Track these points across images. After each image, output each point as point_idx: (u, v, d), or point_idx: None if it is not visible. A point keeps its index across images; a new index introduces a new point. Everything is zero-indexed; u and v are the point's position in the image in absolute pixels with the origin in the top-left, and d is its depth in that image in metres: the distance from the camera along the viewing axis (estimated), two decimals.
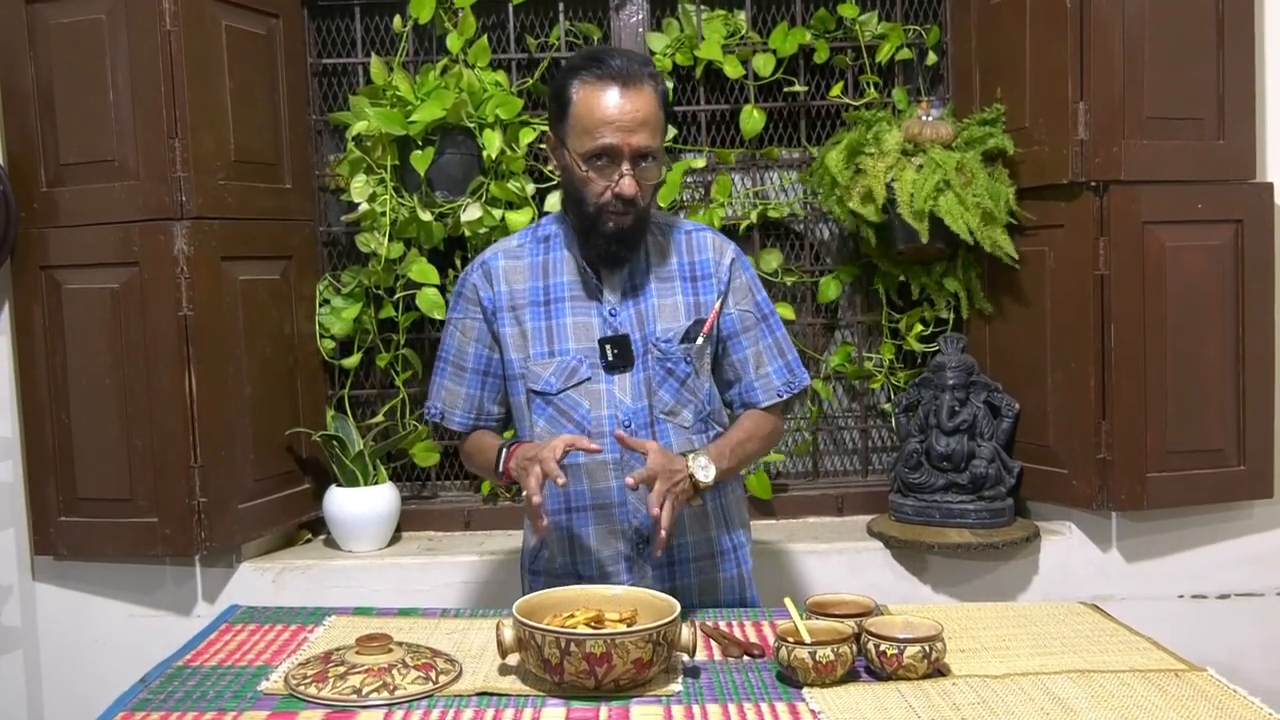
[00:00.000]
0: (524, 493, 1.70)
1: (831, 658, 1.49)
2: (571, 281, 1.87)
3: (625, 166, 1.75)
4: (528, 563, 2.00)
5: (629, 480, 1.70)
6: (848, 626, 1.56)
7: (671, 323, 1.87)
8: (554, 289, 1.88)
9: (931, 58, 2.84)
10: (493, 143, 2.61)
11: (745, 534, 2.02)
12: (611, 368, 1.84)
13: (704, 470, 1.76)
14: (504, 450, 1.82)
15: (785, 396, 1.96)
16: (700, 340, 1.87)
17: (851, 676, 1.53)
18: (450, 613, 1.88)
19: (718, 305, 1.90)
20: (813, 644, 1.50)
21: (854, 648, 1.53)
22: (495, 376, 1.92)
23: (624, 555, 1.88)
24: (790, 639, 1.52)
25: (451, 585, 2.60)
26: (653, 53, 2.74)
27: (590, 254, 1.85)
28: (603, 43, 2.79)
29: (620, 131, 1.73)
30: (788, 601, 1.63)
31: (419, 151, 2.59)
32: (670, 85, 2.72)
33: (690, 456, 1.77)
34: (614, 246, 1.81)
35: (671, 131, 2.74)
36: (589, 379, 1.84)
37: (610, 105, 1.73)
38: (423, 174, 2.59)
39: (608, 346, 1.84)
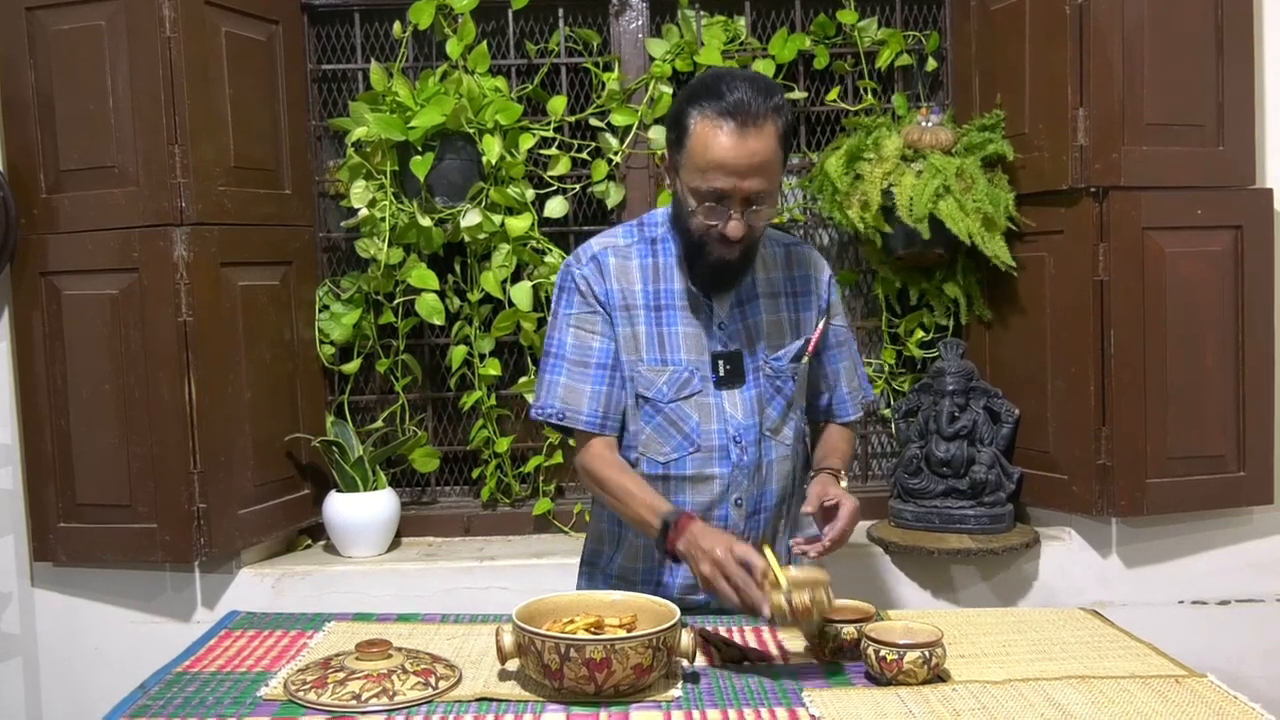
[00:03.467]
0: (733, 598, 1.56)
1: (807, 602, 1.48)
2: (681, 290, 1.84)
3: (735, 210, 1.69)
4: (601, 563, 1.96)
5: (825, 543, 1.73)
6: (824, 573, 1.54)
7: (780, 340, 1.87)
8: (664, 295, 1.84)
9: (931, 64, 2.84)
10: (492, 148, 2.61)
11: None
12: (722, 383, 1.83)
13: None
14: (670, 525, 1.67)
15: (863, 411, 2.04)
16: (804, 359, 1.89)
17: (851, 682, 1.53)
18: (450, 618, 1.88)
19: (820, 326, 1.90)
20: (788, 589, 1.49)
21: (830, 594, 1.53)
22: (622, 372, 1.84)
23: None
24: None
25: (451, 591, 2.59)
26: (653, 59, 2.74)
27: (695, 279, 1.82)
28: (602, 48, 2.80)
29: (734, 176, 1.66)
30: (766, 549, 1.59)
31: (419, 157, 2.59)
32: (671, 90, 2.72)
33: (839, 483, 1.84)
34: (718, 275, 1.79)
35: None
36: (699, 391, 1.83)
37: (725, 147, 1.65)
38: (422, 179, 2.59)
39: (720, 361, 1.82)
